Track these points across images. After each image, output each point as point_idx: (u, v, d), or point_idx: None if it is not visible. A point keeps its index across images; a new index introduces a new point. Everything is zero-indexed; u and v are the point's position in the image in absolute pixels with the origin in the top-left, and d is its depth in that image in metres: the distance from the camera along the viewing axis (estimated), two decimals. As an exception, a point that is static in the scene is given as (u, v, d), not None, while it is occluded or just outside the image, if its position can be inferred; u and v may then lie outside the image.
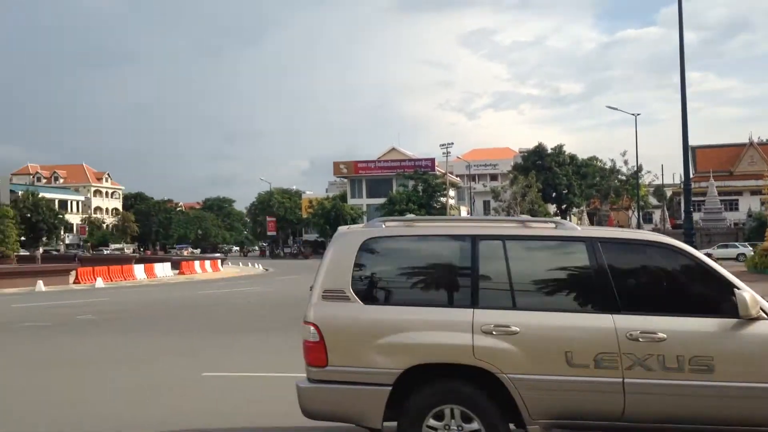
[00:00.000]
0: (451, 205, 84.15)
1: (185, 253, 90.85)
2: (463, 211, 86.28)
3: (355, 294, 4.91)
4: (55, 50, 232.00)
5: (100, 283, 34.25)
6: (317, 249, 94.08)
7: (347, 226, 5.61)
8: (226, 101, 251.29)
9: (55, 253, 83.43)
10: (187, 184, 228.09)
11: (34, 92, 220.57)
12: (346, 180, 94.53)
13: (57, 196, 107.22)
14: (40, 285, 30.87)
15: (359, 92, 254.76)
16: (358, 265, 5.02)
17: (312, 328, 4.87)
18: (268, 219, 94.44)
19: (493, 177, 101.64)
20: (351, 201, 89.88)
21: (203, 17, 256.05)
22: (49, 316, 18.87)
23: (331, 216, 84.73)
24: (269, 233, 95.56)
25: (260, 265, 59.88)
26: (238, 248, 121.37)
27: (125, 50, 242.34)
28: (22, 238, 74.24)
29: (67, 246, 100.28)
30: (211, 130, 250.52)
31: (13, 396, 8.52)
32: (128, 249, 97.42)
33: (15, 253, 53.62)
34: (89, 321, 17.57)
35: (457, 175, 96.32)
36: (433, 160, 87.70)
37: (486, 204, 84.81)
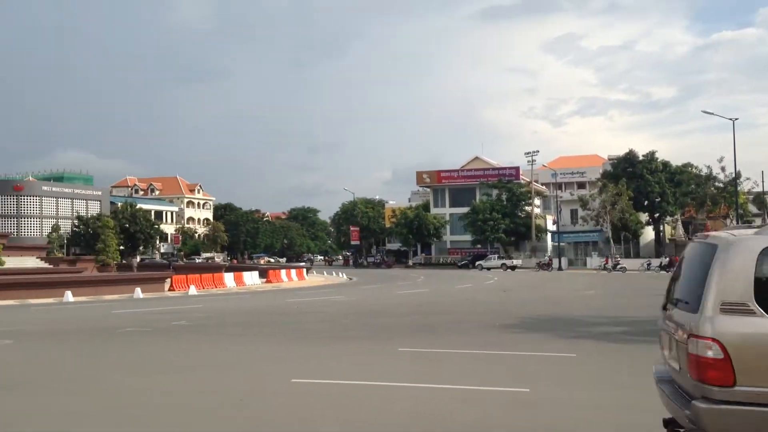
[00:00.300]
0: (536, 214, 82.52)
1: (261, 262, 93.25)
2: (549, 220, 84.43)
3: (761, 307, 4.52)
4: (152, 68, 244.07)
5: (193, 290, 35.55)
6: (400, 258, 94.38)
7: (730, 232, 5.08)
8: (311, 113, 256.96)
9: (151, 261, 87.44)
10: (274, 195, 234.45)
11: (133, 109, 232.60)
12: (428, 189, 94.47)
13: (153, 207, 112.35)
14: (138, 292, 32.31)
15: (441, 102, 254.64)
16: (759, 276, 4.59)
17: (713, 343, 4.50)
18: (352, 228, 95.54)
19: (581, 185, 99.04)
20: (434, 210, 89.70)
21: (290, 32, 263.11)
22: (147, 321, 19.70)
23: (414, 225, 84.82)
24: (353, 242, 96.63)
25: (344, 274, 60.57)
26: (322, 257, 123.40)
27: (217, 66, 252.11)
28: (121, 247, 78.12)
29: (162, 255, 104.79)
30: (297, 142, 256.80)
31: (117, 398, 8.90)
32: (218, 258, 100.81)
33: (115, 262, 56.43)
34: (184, 327, 18.22)
35: (542, 184, 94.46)
36: (517, 169, 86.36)
37: (573, 213, 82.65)
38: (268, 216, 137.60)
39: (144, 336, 16.23)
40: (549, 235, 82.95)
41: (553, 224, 78.68)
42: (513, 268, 69.36)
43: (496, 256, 76.30)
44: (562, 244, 73.97)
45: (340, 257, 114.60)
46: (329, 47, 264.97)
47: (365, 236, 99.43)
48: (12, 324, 19.15)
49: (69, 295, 29.46)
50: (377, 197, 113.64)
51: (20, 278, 32.19)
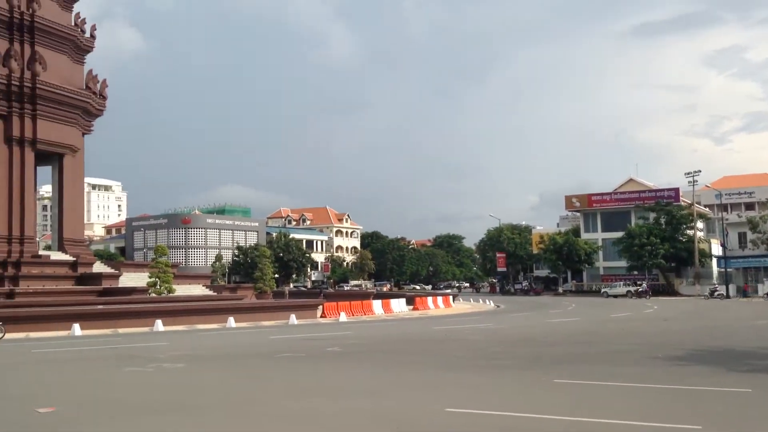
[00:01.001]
0: (700, 238, 76.92)
1: (384, 289, 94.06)
2: (714, 245, 78.38)
3: None
4: (302, 103, 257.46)
5: (343, 317, 36.56)
6: (549, 285, 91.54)
7: None
8: (455, 140, 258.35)
9: (303, 289, 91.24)
10: (419, 222, 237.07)
11: (285, 144, 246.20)
12: (578, 214, 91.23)
13: (305, 236, 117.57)
14: (293, 318, 33.73)
15: (590, 123, 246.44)
16: None
17: None
18: (498, 255, 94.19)
19: (749, 206, 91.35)
20: (585, 235, 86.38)
21: (432, 61, 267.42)
22: (302, 347, 20.47)
23: (564, 251, 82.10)
24: (499, 269, 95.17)
25: (491, 301, 59.69)
26: (467, 284, 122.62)
27: (362, 98, 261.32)
28: (276, 275, 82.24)
29: (313, 282, 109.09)
30: (441, 169, 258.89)
31: (280, 420, 9.28)
32: (366, 285, 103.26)
33: (271, 289, 59.37)
34: (337, 353, 18.73)
35: (704, 206, 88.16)
36: (677, 190, 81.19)
37: (741, 236, 76.17)
38: (413, 243, 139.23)
39: (300, 361, 16.87)
40: (714, 261, 77.01)
41: (720, 248, 73.02)
42: (641, 294, 65.80)
43: (622, 282, 73.27)
44: (729, 269, 68.38)
45: (486, 284, 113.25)
46: (473, 72, 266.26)
47: (512, 263, 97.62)
48: (183, 348, 20.65)
49: (231, 321, 31.34)
50: (524, 223, 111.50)
51: (189, 305, 34.71)
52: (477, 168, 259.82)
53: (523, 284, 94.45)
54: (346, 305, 39.50)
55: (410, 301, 47.21)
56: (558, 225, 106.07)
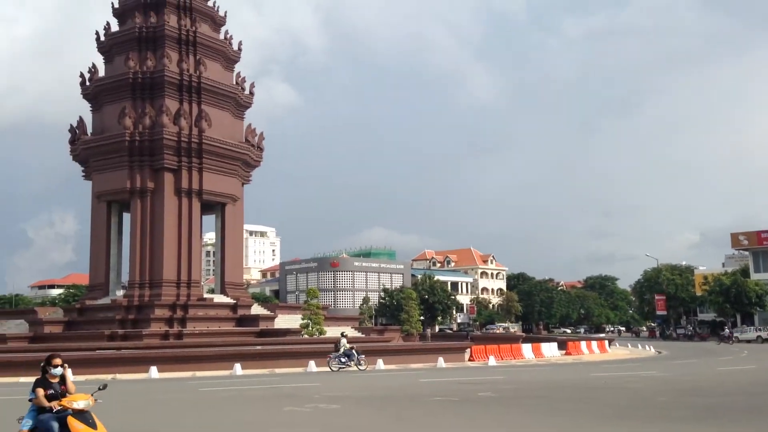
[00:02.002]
0: None
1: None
2: None
3: None
4: (445, 144, 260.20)
5: (492, 361, 35.69)
6: (715, 330, 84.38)
7: None
8: (604, 176, 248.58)
9: (449, 331, 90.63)
10: (567, 263, 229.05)
11: (428, 186, 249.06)
12: (746, 253, 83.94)
13: (449, 278, 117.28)
14: (441, 361, 33.42)
15: (755, 153, 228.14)
16: None
17: None
18: (657, 297, 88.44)
19: None
20: (755, 276, 79.04)
21: (578, 96, 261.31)
22: (453, 391, 20.14)
23: (732, 293, 75.62)
24: (658, 312, 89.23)
25: (650, 346, 55.90)
26: (623, 328, 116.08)
27: (504, 137, 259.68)
28: (422, 318, 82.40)
29: (459, 325, 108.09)
30: (589, 207, 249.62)
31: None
32: (513, 328, 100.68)
33: (417, 332, 59.55)
34: (491, 398, 18.22)
35: None
36: None
37: None
38: (562, 285, 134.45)
39: (454, 406, 16.56)
40: None
41: None
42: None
43: (753, 327, 66.17)
44: None
45: (644, 328, 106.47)
46: (622, 106, 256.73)
47: (672, 306, 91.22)
48: (336, 389, 21.03)
49: (380, 363, 31.60)
50: (683, 263, 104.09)
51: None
52: (630, 205, 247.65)
53: (686, 329, 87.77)
54: (495, 348, 38.60)
55: (562, 345, 45.29)
56: (724, 265, 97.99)
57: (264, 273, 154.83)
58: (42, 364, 9.14)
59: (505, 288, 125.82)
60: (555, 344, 44.60)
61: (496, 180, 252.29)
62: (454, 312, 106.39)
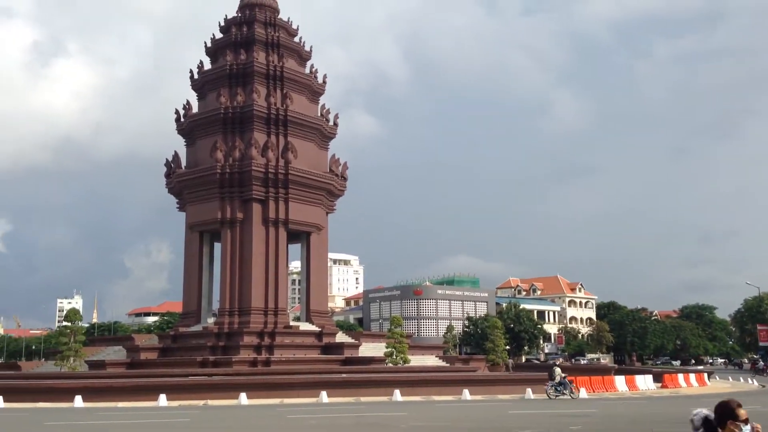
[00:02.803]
0: None
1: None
2: None
3: None
4: (529, 170, 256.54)
5: (583, 393, 34.39)
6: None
7: None
8: (700, 201, 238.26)
9: (536, 362, 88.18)
10: (661, 292, 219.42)
11: (512, 212, 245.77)
12: None
13: (535, 307, 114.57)
14: (529, 392, 32.50)
15: None
16: None
17: None
18: (759, 327, 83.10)
19: None
20: None
21: (670, 120, 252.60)
22: (545, 423, 19.50)
23: (844, 323, 70.25)
24: (761, 344, 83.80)
25: (754, 380, 52.47)
26: (722, 360, 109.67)
27: (592, 162, 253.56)
28: (507, 347, 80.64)
29: (546, 355, 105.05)
30: (684, 233, 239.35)
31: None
32: (604, 359, 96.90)
33: (503, 361, 58.31)
34: (582, 432, 17.51)
35: None
36: None
37: None
38: (656, 314, 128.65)
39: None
40: None
41: None
42: None
43: None
44: None
45: (746, 360, 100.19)
46: (719, 128, 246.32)
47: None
48: (422, 419, 20.78)
49: (466, 393, 31.04)
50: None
51: (424, 376, 35.15)
52: (728, 231, 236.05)
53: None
54: (586, 380, 37.21)
55: (658, 378, 43.17)
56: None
57: (348, 301, 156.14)
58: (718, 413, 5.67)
59: (594, 317, 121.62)
60: (650, 376, 42.61)
61: (584, 206, 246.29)
62: (541, 342, 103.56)
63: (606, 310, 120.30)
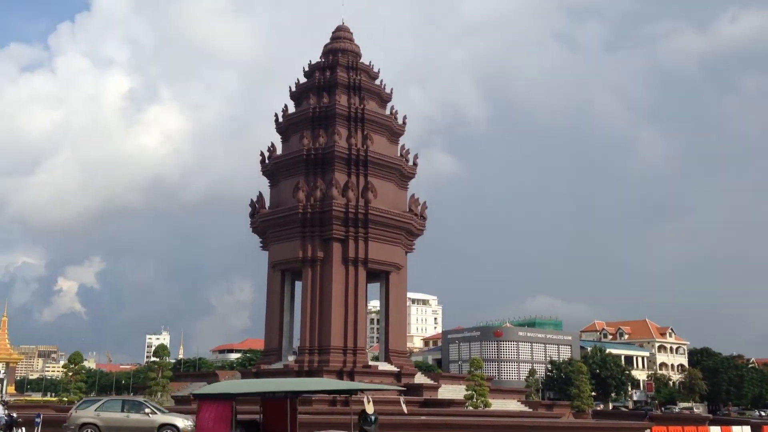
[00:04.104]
0: None
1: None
2: None
3: None
4: (612, 211, 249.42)
5: (675, 444, 32.64)
6: None
7: None
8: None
9: (624, 409, 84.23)
10: (757, 338, 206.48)
11: (595, 254, 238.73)
12: None
13: (622, 351, 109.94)
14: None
15: None
16: None
17: None
18: None
19: None
20: None
21: (759, 156, 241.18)
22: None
23: None
24: None
25: None
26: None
27: (681, 204, 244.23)
28: (593, 393, 77.51)
29: (635, 402, 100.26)
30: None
31: None
32: (697, 408, 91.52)
33: (590, 408, 56.01)
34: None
35: None
36: None
37: None
38: (753, 362, 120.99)
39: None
40: None
41: None
42: None
43: None
44: None
45: None
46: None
47: None
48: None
49: (551, 440, 29.99)
50: None
51: (506, 421, 34.08)
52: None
53: None
54: (679, 430, 35.37)
55: (756, 429, 40.47)
56: None
57: (426, 341, 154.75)
58: None
59: (686, 364, 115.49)
60: (748, 427, 40.02)
61: (672, 247, 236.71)
62: (630, 388, 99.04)
63: (699, 357, 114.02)
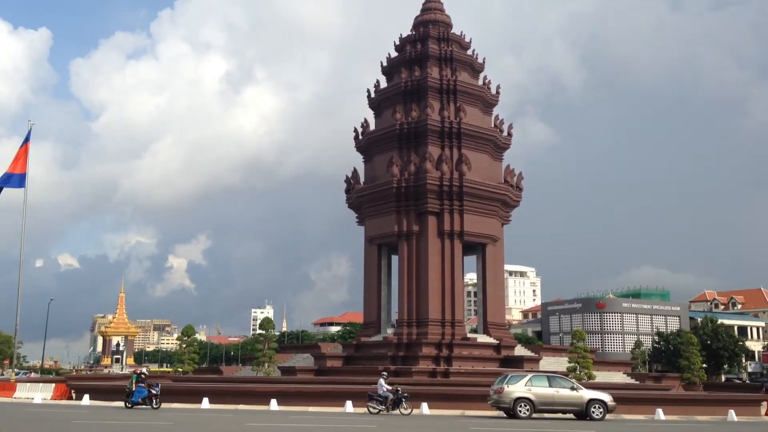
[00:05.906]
0: None
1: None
2: None
3: None
4: (722, 175, 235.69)
5: (798, 418, 30.80)
6: None
7: None
8: None
9: (737, 381, 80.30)
10: None
11: (703, 221, 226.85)
12: None
13: (735, 322, 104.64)
14: (732, 414, 29.63)
15: None
16: None
17: None
18: None
19: None
20: None
21: None
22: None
23: None
24: None
25: None
26: None
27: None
28: (704, 365, 74.26)
29: (750, 374, 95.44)
30: None
31: None
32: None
33: (701, 380, 53.72)
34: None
35: None
36: None
37: None
38: None
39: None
40: None
41: None
42: None
43: None
44: None
45: None
46: None
47: None
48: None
49: (660, 413, 29.01)
50: None
51: (614, 393, 33.35)
52: None
53: None
54: (800, 404, 33.24)
55: None
56: None
57: (525, 314, 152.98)
58: None
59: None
60: None
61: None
62: (744, 360, 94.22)
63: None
